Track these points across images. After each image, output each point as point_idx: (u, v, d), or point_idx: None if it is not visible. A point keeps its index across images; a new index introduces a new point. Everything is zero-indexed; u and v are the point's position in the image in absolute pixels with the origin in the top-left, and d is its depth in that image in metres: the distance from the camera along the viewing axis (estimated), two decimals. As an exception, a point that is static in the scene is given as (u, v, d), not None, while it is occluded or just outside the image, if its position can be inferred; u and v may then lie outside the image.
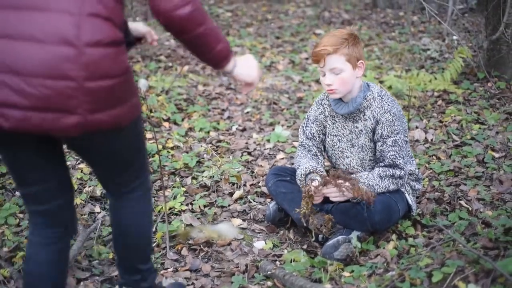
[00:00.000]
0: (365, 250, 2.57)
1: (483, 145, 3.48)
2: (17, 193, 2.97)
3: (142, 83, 4.56)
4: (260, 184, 3.26)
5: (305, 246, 2.69)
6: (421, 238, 2.62)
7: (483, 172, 3.19)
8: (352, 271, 2.38)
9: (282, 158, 3.59)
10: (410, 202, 2.69)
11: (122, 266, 2.07)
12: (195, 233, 2.67)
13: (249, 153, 3.69)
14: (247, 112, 4.36)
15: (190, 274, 2.49)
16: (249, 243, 2.72)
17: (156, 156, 3.41)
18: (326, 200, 2.57)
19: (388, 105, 2.58)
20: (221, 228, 2.34)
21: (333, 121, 2.71)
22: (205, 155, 3.59)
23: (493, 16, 4.31)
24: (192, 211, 2.99)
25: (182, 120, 4.19)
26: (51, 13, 1.52)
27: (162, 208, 2.85)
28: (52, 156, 1.82)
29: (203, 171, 3.36)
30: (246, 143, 3.83)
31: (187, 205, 3.02)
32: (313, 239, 2.68)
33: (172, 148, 3.70)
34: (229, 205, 3.06)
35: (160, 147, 3.64)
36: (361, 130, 2.63)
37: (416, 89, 4.25)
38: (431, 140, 3.68)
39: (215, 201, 3.09)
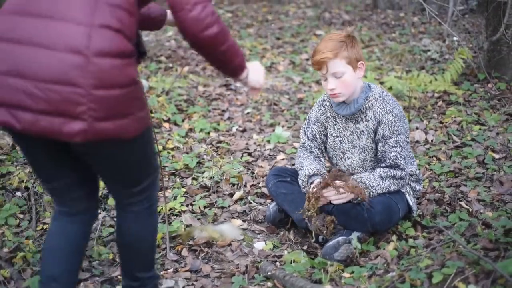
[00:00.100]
0: (365, 251, 2.57)
1: (483, 146, 3.48)
2: (17, 194, 2.97)
3: (143, 84, 4.56)
4: (260, 185, 3.26)
5: (305, 247, 2.69)
6: (421, 239, 2.62)
7: (483, 173, 3.19)
8: (352, 272, 2.38)
9: (283, 159, 3.59)
10: (411, 203, 2.69)
11: (123, 270, 2.08)
12: (196, 233, 2.67)
13: (250, 154, 3.69)
14: (248, 113, 4.36)
15: (190, 274, 2.49)
16: (249, 244, 2.72)
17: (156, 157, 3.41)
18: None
19: (390, 105, 2.58)
20: (223, 228, 2.34)
21: (334, 122, 2.72)
22: (205, 156, 3.59)
23: (494, 17, 4.31)
24: (192, 212, 2.99)
25: (183, 121, 4.19)
26: (64, 22, 1.58)
27: (162, 209, 2.85)
28: (67, 156, 1.85)
29: (203, 172, 3.36)
30: (247, 144, 3.83)
31: (187, 206, 3.02)
32: (313, 240, 2.68)
33: (172, 149, 3.70)
34: (229, 206, 3.06)
35: (160, 148, 3.64)
36: (363, 131, 2.63)
37: (417, 90, 4.25)
38: (432, 141, 3.68)
39: (215, 202, 3.09)
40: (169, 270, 2.51)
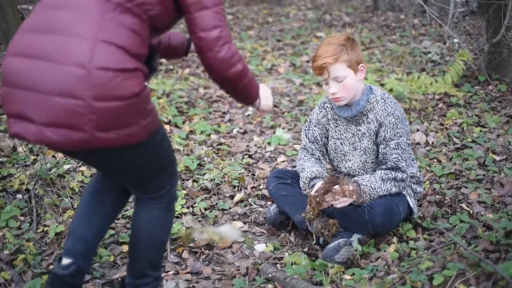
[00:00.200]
0: (366, 253, 2.57)
1: (484, 148, 3.48)
2: (18, 196, 2.97)
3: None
4: (261, 187, 3.26)
5: (306, 249, 2.69)
6: (422, 241, 2.62)
7: (484, 175, 3.19)
8: (353, 274, 2.38)
9: (283, 161, 3.59)
10: (412, 205, 2.69)
11: (130, 267, 2.10)
12: (197, 235, 2.67)
13: (250, 156, 3.70)
14: (248, 115, 4.36)
15: (191, 277, 2.49)
16: (250, 246, 2.72)
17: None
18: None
19: (391, 108, 2.58)
20: (224, 230, 2.34)
21: (335, 124, 2.72)
22: (206, 158, 3.60)
23: (494, 19, 4.31)
24: (193, 214, 2.99)
25: (183, 123, 4.19)
26: (71, 38, 1.66)
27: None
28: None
29: (204, 174, 3.36)
30: (247, 146, 3.83)
31: (188, 208, 3.02)
32: (314, 242, 2.68)
33: (173, 151, 3.69)
34: (230, 208, 3.06)
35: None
36: (364, 133, 2.63)
37: (417, 92, 4.25)
38: (432, 143, 3.68)
39: (216, 204, 3.09)
40: (170, 272, 2.51)
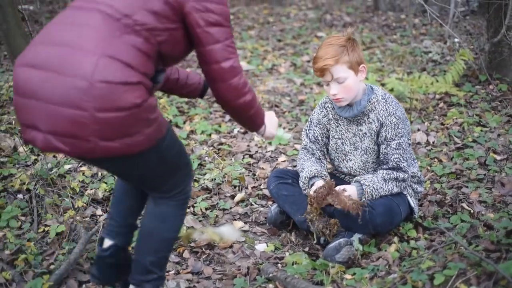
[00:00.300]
0: (366, 253, 2.57)
1: (484, 148, 3.47)
2: (19, 196, 2.97)
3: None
4: (261, 186, 3.26)
5: (306, 249, 2.69)
6: (423, 240, 2.62)
7: (484, 174, 3.19)
8: (354, 273, 2.38)
9: (284, 161, 3.59)
10: (412, 205, 2.69)
11: (136, 264, 2.11)
12: (197, 235, 2.67)
13: (251, 156, 3.70)
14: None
15: (192, 276, 2.49)
16: (251, 246, 2.72)
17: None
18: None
19: (393, 108, 2.58)
20: (223, 230, 2.34)
21: (336, 124, 2.71)
22: (206, 158, 3.60)
23: (495, 18, 4.31)
24: (194, 213, 2.99)
25: (184, 123, 4.19)
26: (78, 51, 1.71)
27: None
28: None
29: (204, 174, 3.37)
30: (248, 145, 3.83)
31: (188, 207, 3.02)
32: (315, 242, 2.68)
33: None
34: (230, 208, 3.06)
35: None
36: (365, 133, 2.63)
37: (418, 92, 4.25)
38: (433, 142, 3.68)
39: (217, 203, 3.09)
40: (170, 272, 2.51)
